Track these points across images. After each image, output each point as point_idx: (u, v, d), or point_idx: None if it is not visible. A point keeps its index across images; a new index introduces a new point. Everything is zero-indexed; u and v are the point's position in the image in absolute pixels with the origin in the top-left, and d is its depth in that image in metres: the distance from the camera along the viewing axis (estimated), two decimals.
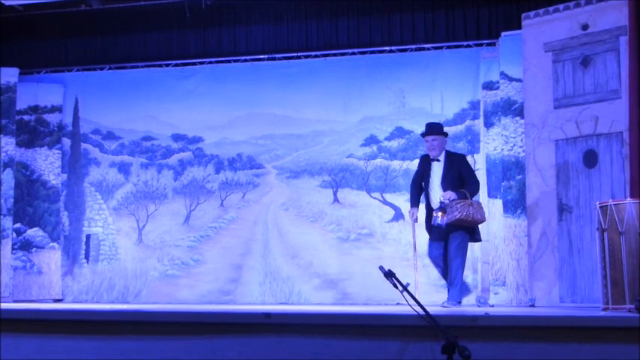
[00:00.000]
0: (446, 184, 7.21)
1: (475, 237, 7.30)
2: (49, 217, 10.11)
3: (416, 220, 7.40)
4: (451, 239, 7.15)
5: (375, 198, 9.59)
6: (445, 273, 7.24)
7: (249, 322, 4.39)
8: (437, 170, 7.31)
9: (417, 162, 7.79)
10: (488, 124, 8.94)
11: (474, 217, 7.04)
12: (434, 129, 7.43)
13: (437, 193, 7.25)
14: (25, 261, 9.98)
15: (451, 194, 7.06)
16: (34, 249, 10.03)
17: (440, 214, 7.05)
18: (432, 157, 7.36)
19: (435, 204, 7.25)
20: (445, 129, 7.60)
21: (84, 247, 10.20)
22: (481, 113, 9.14)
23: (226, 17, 10.15)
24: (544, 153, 7.76)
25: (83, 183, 10.35)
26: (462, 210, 6.94)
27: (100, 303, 9.55)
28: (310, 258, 9.60)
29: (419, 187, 7.49)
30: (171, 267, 9.90)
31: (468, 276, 9.09)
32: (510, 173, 8.57)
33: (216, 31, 10.22)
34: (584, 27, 7.58)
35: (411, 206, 7.44)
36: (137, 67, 10.34)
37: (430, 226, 7.26)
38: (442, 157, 7.34)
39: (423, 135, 7.48)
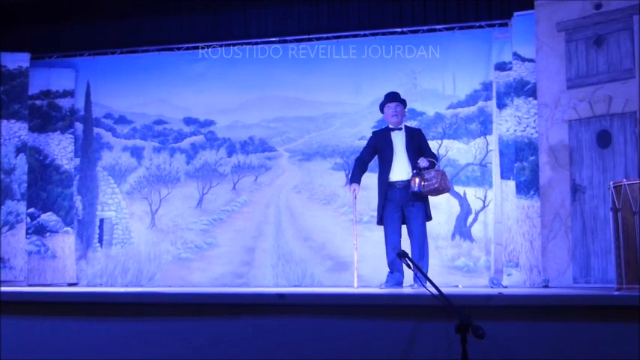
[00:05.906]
0: (410, 153, 6.95)
1: (429, 214, 6.99)
2: (62, 201, 10.16)
3: (355, 197, 7.19)
4: (412, 211, 6.89)
5: None
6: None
7: (262, 303, 4.41)
8: (399, 139, 7.02)
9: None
10: (501, 105, 8.90)
11: (447, 185, 6.87)
12: (397, 96, 7.18)
13: (403, 162, 6.95)
14: (39, 245, 10.04)
15: (425, 161, 6.78)
16: (48, 233, 10.09)
17: (416, 179, 6.76)
18: (393, 126, 7.08)
19: (398, 175, 6.93)
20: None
21: (97, 231, 10.25)
22: (493, 94, 9.10)
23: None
24: (557, 133, 7.72)
25: (96, 167, 10.39)
26: (440, 180, 6.73)
27: (114, 286, 9.60)
28: (322, 240, 9.62)
29: (365, 164, 7.24)
30: (185, 250, 9.95)
31: (481, 257, 9.10)
32: (523, 154, 8.54)
33: (227, 13, 10.18)
34: (598, 6, 7.52)
35: (352, 182, 7.20)
36: (148, 50, 10.33)
37: (382, 211, 6.95)
38: (402, 127, 7.12)
39: (384, 104, 7.19)
